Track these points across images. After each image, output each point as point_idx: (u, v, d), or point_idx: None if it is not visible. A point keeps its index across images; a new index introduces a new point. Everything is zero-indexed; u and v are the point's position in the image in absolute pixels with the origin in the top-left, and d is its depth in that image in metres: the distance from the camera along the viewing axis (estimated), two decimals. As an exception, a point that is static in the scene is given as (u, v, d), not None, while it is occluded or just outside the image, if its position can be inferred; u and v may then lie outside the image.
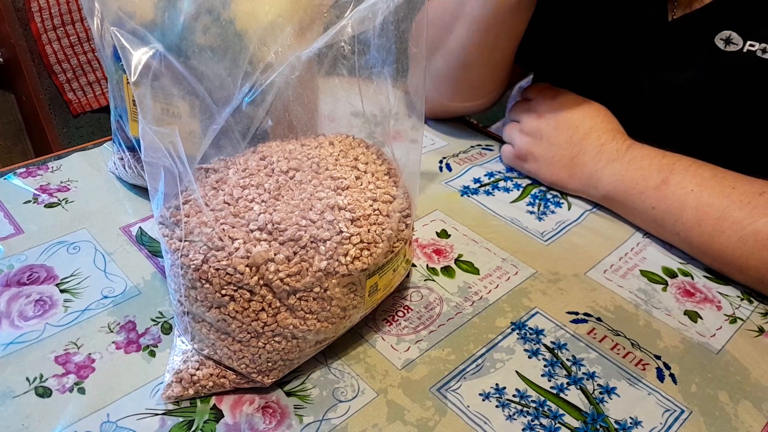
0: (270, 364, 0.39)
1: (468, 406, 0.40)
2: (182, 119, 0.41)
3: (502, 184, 0.62)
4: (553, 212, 0.59)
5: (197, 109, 0.39)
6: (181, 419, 0.38)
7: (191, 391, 0.39)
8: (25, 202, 0.55)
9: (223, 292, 0.36)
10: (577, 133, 0.59)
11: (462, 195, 0.60)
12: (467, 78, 0.64)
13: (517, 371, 0.43)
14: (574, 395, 0.41)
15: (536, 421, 0.39)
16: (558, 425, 0.39)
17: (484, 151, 0.68)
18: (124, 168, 0.56)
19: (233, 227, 0.36)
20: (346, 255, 0.37)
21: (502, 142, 0.66)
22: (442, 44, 0.62)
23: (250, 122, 0.40)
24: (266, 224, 0.36)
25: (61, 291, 0.46)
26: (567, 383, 0.42)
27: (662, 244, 0.56)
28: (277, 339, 0.38)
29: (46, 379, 0.40)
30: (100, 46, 0.47)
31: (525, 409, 0.40)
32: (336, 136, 0.45)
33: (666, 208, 0.53)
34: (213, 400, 0.39)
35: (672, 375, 0.43)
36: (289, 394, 0.40)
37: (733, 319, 0.48)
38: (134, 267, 0.49)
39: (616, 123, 0.60)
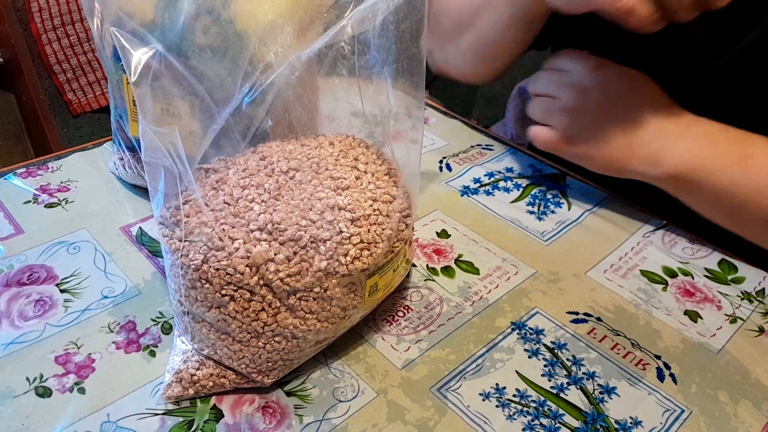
0: (270, 364, 0.39)
1: (468, 406, 0.40)
2: (182, 119, 0.41)
3: (502, 184, 0.62)
4: (553, 212, 0.59)
5: (197, 109, 0.39)
6: (181, 419, 0.38)
7: (191, 391, 0.39)
8: (25, 202, 0.55)
9: (223, 292, 0.36)
10: (630, 109, 0.53)
11: (462, 195, 0.60)
12: (492, 54, 0.62)
13: (517, 371, 0.43)
14: (574, 395, 0.41)
15: (536, 421, 0.39)
16: (558, 425, 0.39)
17: (484, 150, 0.68)
18: (124, 168, 0.56)
19: (233, 227, 0.36)
20: (346, 255, 0.37)
21: (502, 141, 0.66)
22: (470, 26, 0.61)
23: (250, 122, 0.40)
24: (266, 224, 0.36)
25: (61, 291, 0.46)
26: (567, 383, 0.42)
27: (662, 243, 0.56)
28: (277, 339, 0.38)
29: (46, 379, 0.40)
30: (100, 46, 0.47)
31: (525, 409, 0.40)
32: (336, 136, 0.45)
33: (752, 186, 0.48)
34: (213, 400, 0.39)
35: (672, 375, 0.43)
36: (289, 394, 0.40)
37: (734, 319, 0.48)
38: (134, 267, 0.49)
39: (667, 96, 0.54)
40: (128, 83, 0.48)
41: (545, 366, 0.43)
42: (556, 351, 0.44)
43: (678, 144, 0.51)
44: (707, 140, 0.50)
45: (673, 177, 0.52)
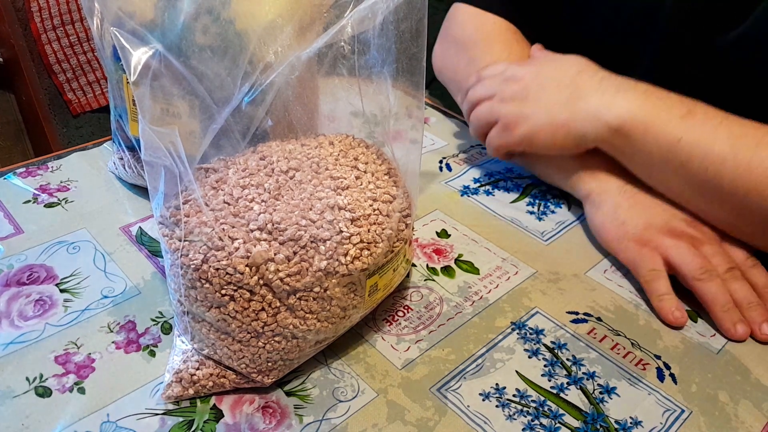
0: (270, 364, 0.39)
1: (468, 406, 0.40)
2: (182, 119, 0.41)
3: (502, 183, 0.62)
4: (553, 212, 0.59)
5: (197, 109, 0.39)
6: (181, 419, 0.38)
7: (191, 391, 0.39)
8: (25, 202, 0.55)
9: (223, 292, 0.36)
10: (567, 76, 0.54)
11: (462, 195, 0.60)
12: None
13: (517, 371, 0.43)
14: (574, 395, 0.41)
15: (536, 421, 0.39)
16: (558, 425, 0.39)
17: (484, 150, 0.68)
18: (124, 168, 0.56)
19: (233, 227, 0.36)
20: (346, 255, 0.37)
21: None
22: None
23: (249, 122, 0.40)
24: (266, 224, 0.36)
25: (61, 291, 0.46)
26: (567, 383, 0.42)
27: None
28: (277, 339, 0.38)
29: (46, 379, 0.40)
30: (100, 46, 0.47)
31: (525, 409, 0.40)
32: (336, 136, 0.45)
33: (695, 140, 0.47)
34: (213, 400, 0.39)
35: (672, 375, 0.43)
36: (289, 394, 0.40)
37: (733, 319, 0.48)
38: (134, 267, 0.49)
39: (601, 68, 0.55)
40: (128, 83, 0.48)
41: (545, 366, 0.43)
42: (556, 351, 0.44)
43: (624, 96, 0.51)
44: (655, 95, 0.50)
45: (616, 130, 0.51)
